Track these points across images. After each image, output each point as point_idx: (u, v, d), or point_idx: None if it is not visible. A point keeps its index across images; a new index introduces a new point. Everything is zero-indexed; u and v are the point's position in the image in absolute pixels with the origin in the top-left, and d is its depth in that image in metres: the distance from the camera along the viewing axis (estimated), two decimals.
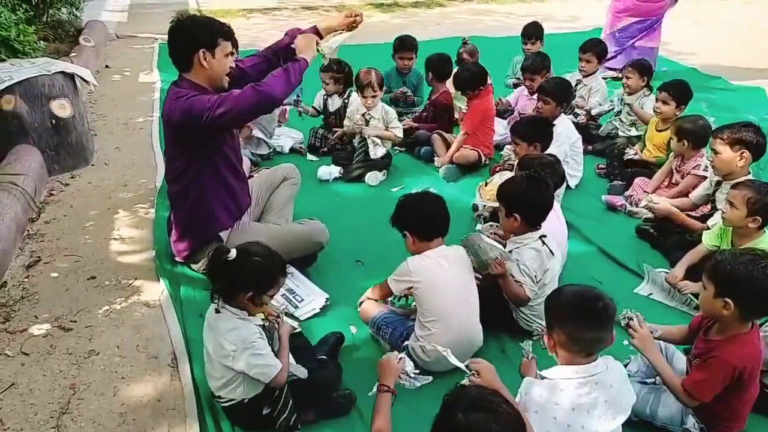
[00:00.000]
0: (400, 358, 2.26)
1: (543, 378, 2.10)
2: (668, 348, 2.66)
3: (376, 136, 4.76)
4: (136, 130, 5.66)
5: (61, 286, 3.43)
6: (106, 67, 7.56)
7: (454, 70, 5.35)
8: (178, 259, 3.52)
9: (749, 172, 3.60)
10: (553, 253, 2.98)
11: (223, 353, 2.34)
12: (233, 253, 2.31)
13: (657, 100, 4.58)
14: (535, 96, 5.17)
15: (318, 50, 3.36)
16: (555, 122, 4.43)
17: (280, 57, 3.48)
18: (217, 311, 2.38)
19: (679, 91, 4.48)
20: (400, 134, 4.90)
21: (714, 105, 6.17)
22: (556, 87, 4.47)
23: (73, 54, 6.84)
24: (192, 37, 3.06)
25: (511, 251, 3.01)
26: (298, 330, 2.79)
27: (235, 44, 3.26)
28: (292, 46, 3.40)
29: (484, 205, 4.05)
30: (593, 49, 5.50)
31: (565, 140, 4.43)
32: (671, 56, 8.13)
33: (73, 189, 4.55)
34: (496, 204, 3.85)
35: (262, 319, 2.48)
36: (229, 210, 3.37)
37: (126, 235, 3.94)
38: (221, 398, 2.45)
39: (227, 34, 3.12)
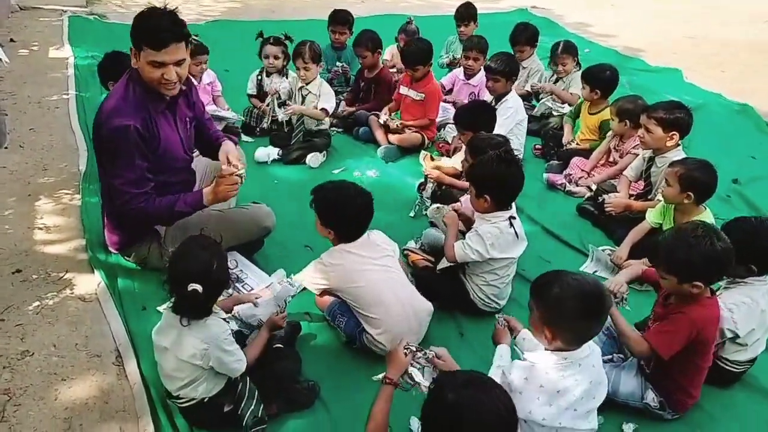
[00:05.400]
0: (409, 351, 2.14)
1: (524, 359, 2.09)
2: None
3: (303, 114, 4.67)
4: (51, 110, 5.25)
5: None
6: (11, 41, 6.96)
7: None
8: (111, 249, 3.29)
9: (679, 145, 3.68)
10: (518, 236, 2.95)
11: (191, 352, 2.20)
12: (198, 287, 2.13)
13: (583, 87, 4.66)
14: (471, 80, 5.20)
15: None
16: (506, 97, 4.48)
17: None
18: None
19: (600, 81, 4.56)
20: (329, 109, 4.71)
21: (635, 86, 6.36)
22: (503, 64, 4.46)
23: None
24: (133, 29, 2.78)
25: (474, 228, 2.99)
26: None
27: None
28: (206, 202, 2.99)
29: (431, 185, 4.01)
30: (521, 38, 5.46)
31: (514, 115, 4.45)
32: (593, 38, 8.38)
33: None
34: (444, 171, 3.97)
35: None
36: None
37: (51, 224, 3.65)
38: (179, 398, 2.31)
39: (156, 42, 2.69)
